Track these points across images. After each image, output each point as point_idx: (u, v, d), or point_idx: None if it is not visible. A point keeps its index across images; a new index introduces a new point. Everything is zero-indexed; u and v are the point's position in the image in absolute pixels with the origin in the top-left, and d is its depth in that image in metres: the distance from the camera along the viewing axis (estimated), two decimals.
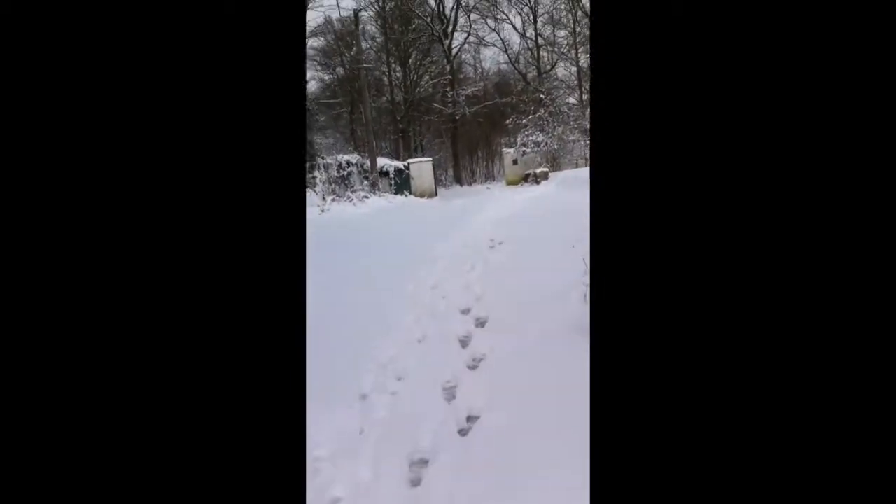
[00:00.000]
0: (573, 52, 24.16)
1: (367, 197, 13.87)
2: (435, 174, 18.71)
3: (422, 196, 16.74)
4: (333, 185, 14.21)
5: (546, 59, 24.88)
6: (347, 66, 22.22)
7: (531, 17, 24.35)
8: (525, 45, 25.01)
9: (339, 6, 23.39)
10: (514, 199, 12.29)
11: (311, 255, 2.05)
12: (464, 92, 24.59)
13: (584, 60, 24.37)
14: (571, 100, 21.86)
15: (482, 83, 26.69)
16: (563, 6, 24.23)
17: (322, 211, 11.15)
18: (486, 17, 24.65)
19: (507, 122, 20.91)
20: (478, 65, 27.77)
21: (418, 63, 25.10)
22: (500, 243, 6.85)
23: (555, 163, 18.02)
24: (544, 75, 23.79)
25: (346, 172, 15.28)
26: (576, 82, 23.81)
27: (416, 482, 2.14)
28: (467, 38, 25.08)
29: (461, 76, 26.03)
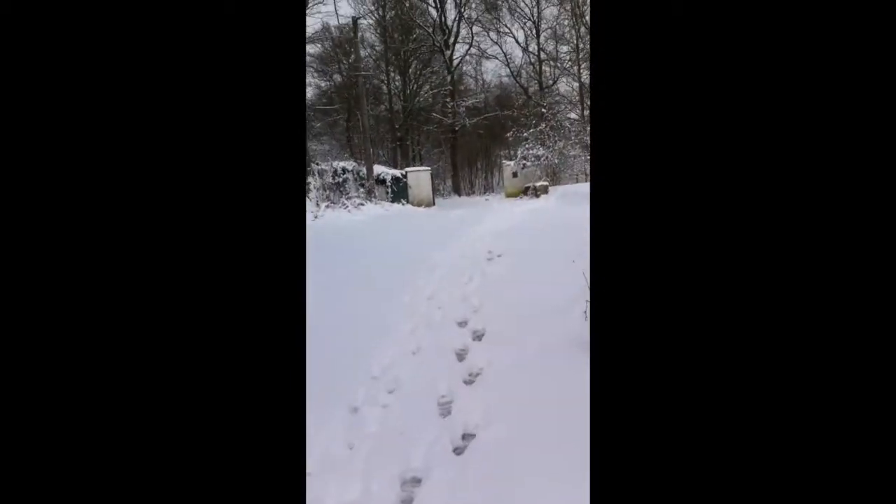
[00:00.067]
0: (576, 67, 24.24)
1: (362, 204, 13.77)
2: (433, 184, 18.61)
3: (419, 205, 16.64)
4: (328, 192, 14.06)
5: (548, 73, 24.94)
6: (345, 74, 22.15)
7: (534, 31, 24.42)
8: (527, 59, 25.08)
9: (336, 13, 23.33)
10: (513, 211, 12.19)
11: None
12: (464, 103, 24.59)
13: (587, 76, 24.43)
14: (573, 115, 21.90)
15: (483, 95, 26.70)
16: (566, 22, 24.35)
17: (316, 217, 11.02)
18: (489, 29, 24.71)
19: (508, 134, 20.88)
20: (479, 76, 27.81)
21: (418, 73, 25.08)
22: (499, 255, 6.74)
23: (555, 177, 17.96)
24: (546, 90, 23.80)
25: (341, 179, 15.14)
26: (578, 98, 23.87)
27: (407, 502, 2.00)
28: (469, 49, 25.11)
29: (462, 87, 26.04)
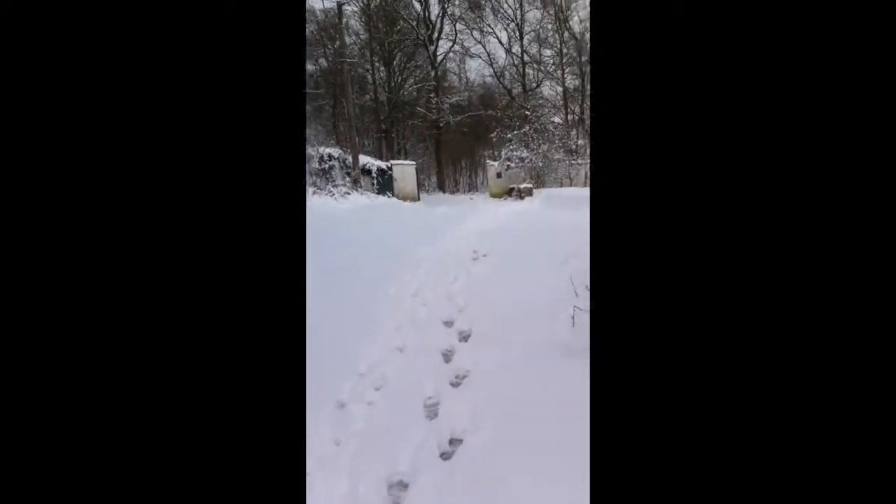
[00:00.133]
0: (559, 72, 24.35)
1: (348, 193, 13.61)
2: (418, 179, 18.51)
3: (404, 199, 16.54)
4: (315, 178, 13.84)
5: (532, 76, 25.01)
6: (330, 59, 21.91)
7: (517, 33, 24.47)
8: (511, 60, 25.12)
9: None
10: (497, 211, 12.17)
11: None
12: (448, 100, 24.53)
13: (570, 81, 24.62)
14: (557, 119, 21.97)
15: (467, 93, 26.68)
16: (549, 26, 24.40)
17: None
18: (472, 28, 24.69)
19: (492, 135, 20.88)
20: (463, 75, 27.81)
21: (402, 65, 24.95)
22: (484, 255, 6.71)
23: (539, 180, 17.98)
24: (530, 92, 23.87)
25: (327, 166, 14.93)
26: (561, 102, 23.98)
27: None
28: (452, 46, 25.06)
29: (446, 84, 25.98)
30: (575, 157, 18.68)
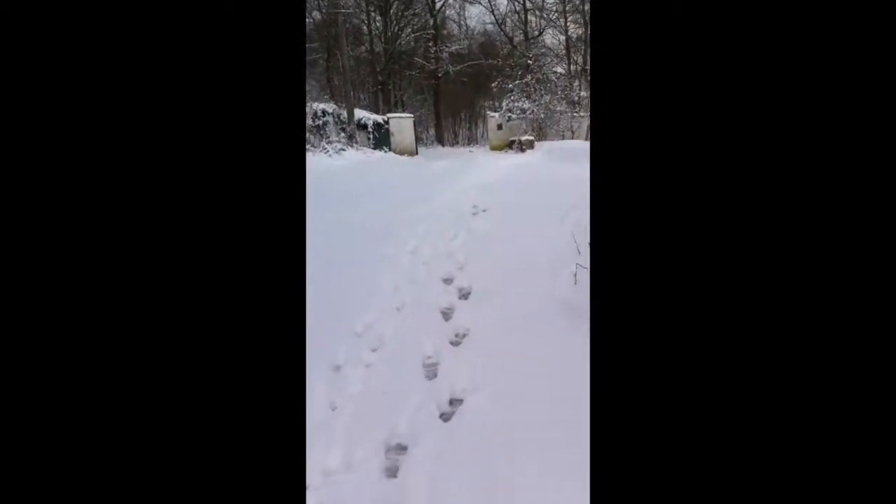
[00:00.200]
0: (562, 19, 23.59)
1: (343, 149, 13.36)
2: (416, 132, 18.16)
3: (402, 153, 16.26)
4: (308, 135, 13.54)
5: (534, 23, 24.19)
6: (324, 10, 21.20)
7: None
8: (512, 7, 24.24)
9: None
10: (498, 164, 11.96)
11: None
12: (447, 49, 23.87)
13: (573, 29, 23.86)
14: (559, 69, 21.39)
15: (467, 42, 25.93)
16: None
17: None
18: None
19: (493, 85, 20.38)
20: (462, 22, 26.91)
21: (400, 14, 24.12)
22: (484, 210, 6.59)
23: (540, 132, 17.62)
24: (532, 41, 23.14)
25: (321, 122, 14.58)
26: (564, 52, 23.32)
27: (392, 471, 1.91)
28: None
29: (445, 32, 25.23)
30: (577, 110, 18.30)
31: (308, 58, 22.22)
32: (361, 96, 23.81)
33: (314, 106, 14.48)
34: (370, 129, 16.27)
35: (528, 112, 17.52)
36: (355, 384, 2.50)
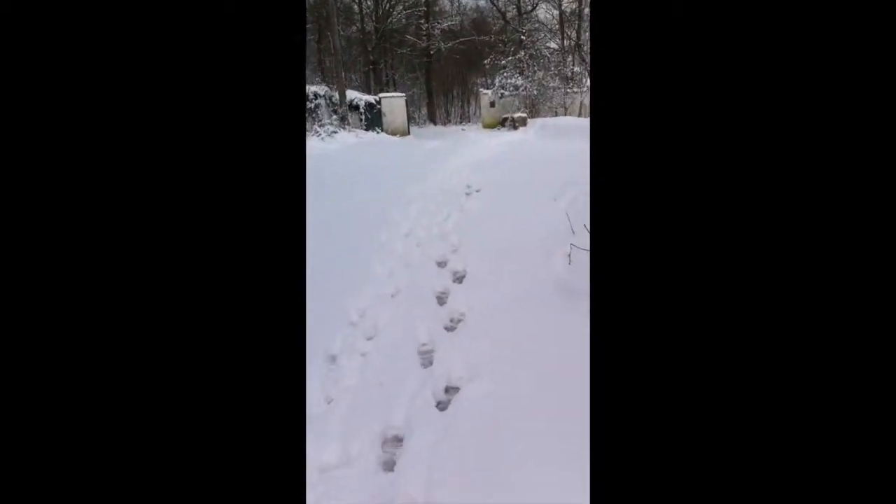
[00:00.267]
0: None
1: (335, 132, 13.23)
2: (408, 111, 17.97)
3: (394, 134, 16.11)
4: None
5: None
6: None
7: None
8: None
9: None
10: (490, 143, 11.86)
11: None
12: (439, 26, 23.58)
13: (567, 3, 23.50)
14: (552, 44, 21.13)
15: (459, 18, 25.61)
16: None
17: None
18: None
19: (486, 61, 20.14)
20: None
21: None
22: (478, 190, 6.53)
23: (533, 109, 17.46)
24: (525, 15, 22.80)
25: (313, 105, 14.40)
26: (558, 26, 23.00)
27: (389, 465, 1.89)
28: None
29: (436, 9, 24.90)
30: (570, 86, 18.10)
31: None
32: (353, 77, 23.57)
33: (306, 89, 14.28)
34: (362, 110, 16.09)
35: (520, 89, 17.35)
36: (351, 375, 2.47)
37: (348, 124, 14.82)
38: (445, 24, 24.05)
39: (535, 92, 17.44)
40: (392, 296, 3.42)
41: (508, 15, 23.47)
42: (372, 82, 22.65)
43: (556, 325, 2.77)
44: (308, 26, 21.84)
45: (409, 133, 16.96)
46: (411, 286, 3.55)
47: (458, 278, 3.71)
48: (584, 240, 3.51)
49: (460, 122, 23.60)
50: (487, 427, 1.99)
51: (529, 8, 23.41)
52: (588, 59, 17.31)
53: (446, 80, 26.04)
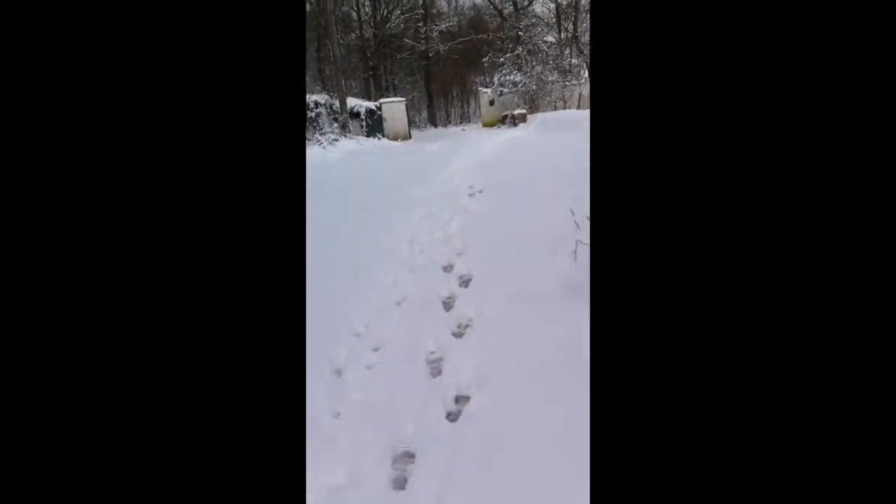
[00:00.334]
0: None
1: (337, 140, 13.21)
2: (408, 115, 17.93)
3: (395, 139, 16.09)
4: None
5: None
6: (312, 1, 20.91)
7: None
8: None
9: None
10: (491, 141, 11.80)
11: None
12: (437, 27, 23.58)
13: None
14: (550, 38, 21.03)
15: (456, 18, 25.61)
16: None
17: None
18: None
19: (484, 59, 20.09)
20: None
21: None
22: (480, 191, 6.47)
23: (532, 104, 17.36)
24: (521, 11, 22.74)
25: (314, 114, 14.39)
26: (555, 20, 22.89)
27: (400, 483, 1.84)
28: None
29: (434, 11, 24.91)
30: (569, 78, 18.00)
31: None
32: (353, 84, 23.61)
33: (307, 98, 14.30)
34: (363, 117, 16.09)
35: (519, 85, 17.28)
36: (357, 389, 2.42)
37: (349, 131, 14.81)
38: (443, 26, 24.06)
39: (534, 87, 17.37)
40: (398, 303, 3.37)
41: (505, 12, 23.43)
42: (372, 88, 22.67)
43: (565, 326, 2.71)
44: (307, 35, 21.91)
45: (410, 137, 16.92)
46: (417, 292, 3.50)
47: (464, 282, 3.66)
48: (588, 234, 3.45)
49: (460, 123, 23.54)
50: (499, 440, 1.93)
51: (526, 3, 23.35)
52: (585, 50, 17.23)
53: (445, 82, 26.04)
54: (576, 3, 22.77)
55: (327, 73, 22.02)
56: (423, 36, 23.20)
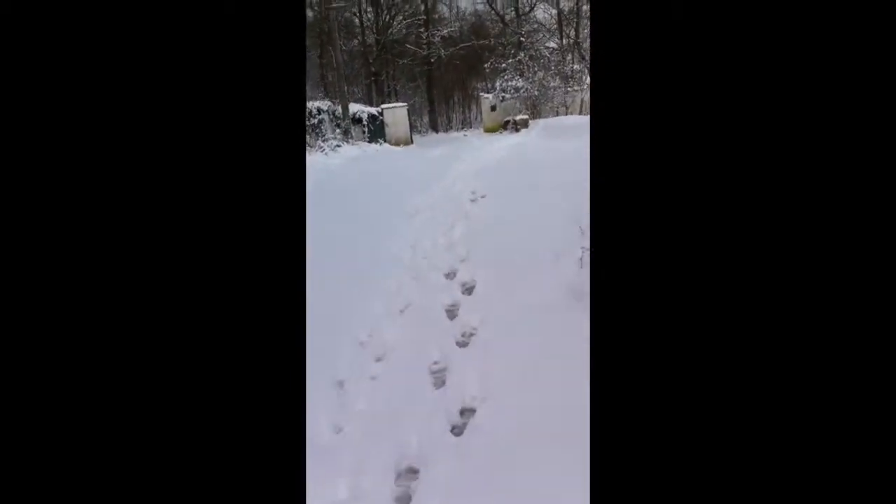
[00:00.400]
0: None
1: (339, 146, 13.18)
2: (410, 120, 17.92)
3: (397, 144, 16.07)
4: (305, 143, 13.39)
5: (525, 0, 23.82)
6: (315, 8, 20.97)
7: None
8: None
9: None
10: (493, 147, 11.76)
11: None
12: (439, 33, 23.62)
13: (565, 3, 23.42)
14: (552, 44, 21.05)
15: (458, 24, 25.64)
16: None
17: None
18: None
19: (486, 65, 20.10)
20: (453, 4, 26.61)
21: (390, 2, 23.87)
22: (483, 196, 6.42)
23: (535, 110, 17.35)
24: (523, 17, 22.76)
25: (316, 120, 14.39)
26: (556, 26, 22.90)
27: (404, 500, 1.78)
28: None
29: (436, 16, 24.96)
30: (571, 84, 18.00)
31: None
32: (355, 90, 23.66)
33: (309, 105, 14.29)
34: (365, 123, 16.08)
35: (521, 90, 17.27)
36: (360, 400, 2.37)
37: (352, 137, 14.79)
38: (445, 32, 24.09)
39: (536, 93, 17.35)
40: (401, 311, 3.32)
41: (507, 17, 23.45)
42: (374, 94, 22.70)
43: (570, 334, 2.65)
44: (307, 42, 21.94)
45: (412, 142, 16.90)
46: (420, 300, 3.45)
47: (468, 289, 3.60)
48: None
49: (462, 128, 23.53)
50: (506, 454, 1.88)
51: (527, 9, 23.37)
52: (587, 55, 17.22)
53: (447, 87, 26.06)
54: (577, 9, 22.79)
55: (330, 79, 22.06)
56: (424, 41, 23.24)
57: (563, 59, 19.68)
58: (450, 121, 26.26)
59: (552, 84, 17.67)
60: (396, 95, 23.75)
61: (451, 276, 3.90)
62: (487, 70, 20.47)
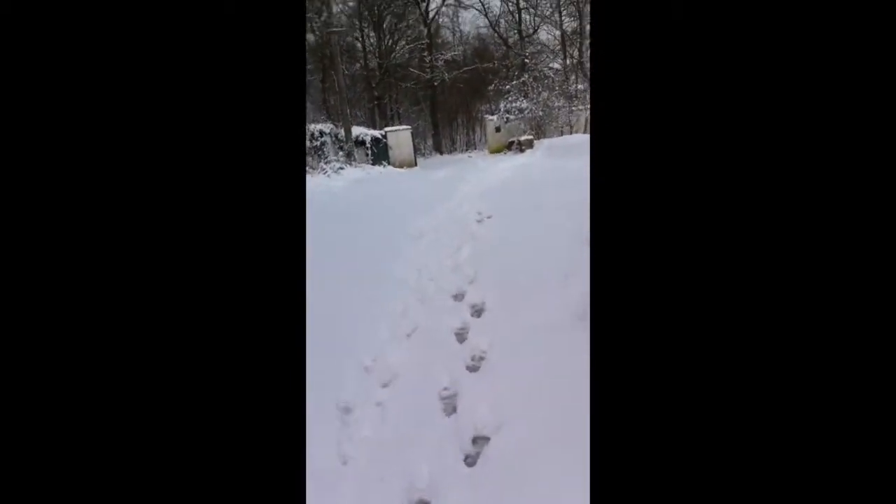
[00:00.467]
0: (556, 14, 23.39)
1: (342, 168, 13.19)
2: (414, 143, 17.99)
3: (401, 166, 16.09)
4: (306, 157, 13.40)
5: (528, 21, 24.10)
6: (317, 32, 21.22)
7: None
8: (506, 7, 24.14)
9: None
10: (498, 168, 11.74)
11: None
12: (442, 56, 23.85)
13: (568, 24, 23.66)
14: (555, 65, 21.19)
15: (461, 48, 25.94)
16: None
17: None
18: None
19: (490, 87, 20.25)
20: (456, 28, 26.94)
21: (393, 27, 24.16)
22: (489, 217, 6.35)
23: (539, 130, 17.40)
24: (527, 39, 23.00)
25: (318, 143, 14.42)
26: (559, 46, 23.10)
27: None
28: (445, 0, 24.13)
29: (439, 41, 25.24)
30: (575, 103, 18.07)
31: None
32: (358, 113, 23.81)
33: (311, 127, 14.33)
34: (368, 145, 16.12)
35: (526, 111, 17.34)
36: (367, 428, 2.26)
37: (355, 160, 14.81)
38: (448, 55, 24.33)
39: (541, 113, 17.43)
40: (408, 335, 3.22)
41: (510, 40, 23.69)
42: (377, 117, 22.84)
43: (581, 355, 2.55)
44: (309, 67, 22.15)
45: (416, 164, 16.93)
46: (428, 323, 3.35)
47: (477, 312, 3.51)
48: None
49: (466, 150, 23.62)
50: (521, 486, 1.77)
51: (531, 31, 23.60)
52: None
53: (451, 110, 26.25)
54: (580, 29, 23.01)
55: (332, 102, 22.21)
56: (428, 65, 23.45)
57: (567, 79, 19.81)
58: (454, 143, 26.40)
59: (556, 104, 17.76)
60: (400, 119, 23.93)
61: (459, 297, 3.80)
62: (491, 92, 20.60)
